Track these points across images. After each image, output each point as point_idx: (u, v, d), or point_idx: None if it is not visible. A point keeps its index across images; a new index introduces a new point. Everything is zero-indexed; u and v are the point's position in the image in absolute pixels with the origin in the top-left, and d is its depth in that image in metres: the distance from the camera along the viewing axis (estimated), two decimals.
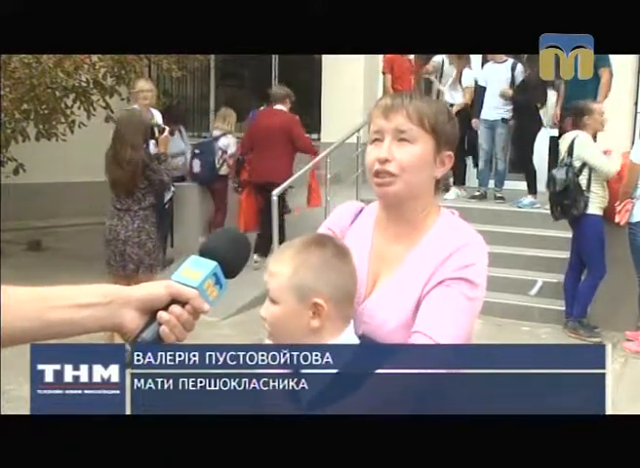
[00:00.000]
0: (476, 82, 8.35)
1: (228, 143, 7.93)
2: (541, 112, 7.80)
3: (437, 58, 8.60)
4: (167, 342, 1.25)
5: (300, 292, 1.57)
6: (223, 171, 7.93)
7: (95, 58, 7.65)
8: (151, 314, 1.25)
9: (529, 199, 7.82)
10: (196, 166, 7.90)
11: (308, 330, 1.57)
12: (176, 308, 1.24)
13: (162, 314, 1.24)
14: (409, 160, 1.63)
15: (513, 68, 7.97)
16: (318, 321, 1.57)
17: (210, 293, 1.28)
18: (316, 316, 1.57)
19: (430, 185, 1.71)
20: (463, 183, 8.55)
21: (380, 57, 9.17)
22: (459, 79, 8.48)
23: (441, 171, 1.70)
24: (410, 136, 1.63)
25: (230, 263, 1.32)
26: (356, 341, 1.60)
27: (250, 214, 7.55)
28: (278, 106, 7.50)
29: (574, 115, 6.21)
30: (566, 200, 5.96)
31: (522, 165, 8.10)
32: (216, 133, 8.10)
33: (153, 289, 1.26)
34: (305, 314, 1.57)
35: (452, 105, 8.49)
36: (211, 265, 1.29)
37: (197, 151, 7.97)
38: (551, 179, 6.10)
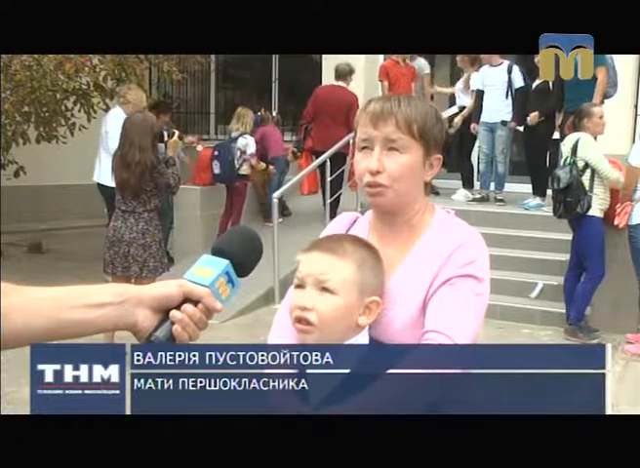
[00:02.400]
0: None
1: (247, 143, 8.01)
2: None
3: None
4: (180, 341, 1.25)
5: (362, 288, 1.58)
6: (243, 171, 8.04)
7: (95, 60, 7.66)
8: (164, 313, 1.25)
9: (536, 201, 7.81)
10: (216, 167, 8.02)
11: (355, 326, 1.58)
12: (188, 307, 1.25)
13: (175, 313, 1.24)
14: (399, 170, 1.64)
15: (509, 71, 7.98)
16: (368, 318, 1.59)
17: (222, 292, 1.29)
18: (366, 314, 1.59)
19: (421, 189, 1.72)
20: (472, 186, 8.57)
21: (381, 58, 9.18)
22: (468, 81, 8.50)
23: (430, 174, 1.71)
24: (399, 146, 1.63)
25: (242, 262, 1.33)
26: (366, 340, 1.60)
27: (310, 179, 8.33)
28: (340, 83, 8.25)
29: (574, 117, 6.21)
30: (569, 197, 5.94)
31: (534, 168, 8.08)
32: (234, 134, 8.18)
33: (166, 288, 1.26)
34: (357, 311, 1.58)
35: (463, 108, 8.51)
36: (223, 264, 1.30)
37: (216, 153, 8.06)
38: (555, 178, 6.08)
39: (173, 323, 1.24)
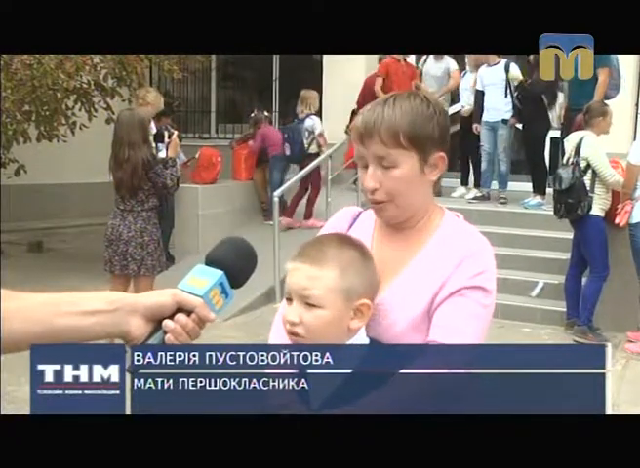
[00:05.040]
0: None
1: (314, 124, 8.34)
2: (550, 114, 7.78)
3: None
4: None
5: (348, 294, 1.53)
6: (312, 150, 8.37)
7: (96, 59, 7.66)
8: (157, 322, 1.26)
9: (536, 199, 7.80)
10: (287, 149, 8.42)
11: (348, 331, 1.55)
12: (181, 317, 1.25)
13: (167, 322, 1.25)
14: (395, 185, 1.59)
15: (507, 69, 7.99)
16: (360, 321, 1.56)
17: (215, 303, 1.29)
18: (357, 317, 1.55)
19: (426, 194, 1.67)
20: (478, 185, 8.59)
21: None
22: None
23: (434, 174, 1.64)
24: (389, 162, 1.58)
25: (237, 273, 1.33)
26: (366, 341, 1.59)
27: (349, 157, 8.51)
28: None
29: (586, 114, 6.12)
30: (570, 199, 5.91)
31: (533, 166, 8.07)
32: (300, 116, 8.47)
33: (160, 297, 1.27)
34: (347, 316, 1.54)
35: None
36: (217, 274, 1.30)
37: (286, 135, 8.44)
38: (557, 178, 6.05)
39: (165, 332, 1.25)
